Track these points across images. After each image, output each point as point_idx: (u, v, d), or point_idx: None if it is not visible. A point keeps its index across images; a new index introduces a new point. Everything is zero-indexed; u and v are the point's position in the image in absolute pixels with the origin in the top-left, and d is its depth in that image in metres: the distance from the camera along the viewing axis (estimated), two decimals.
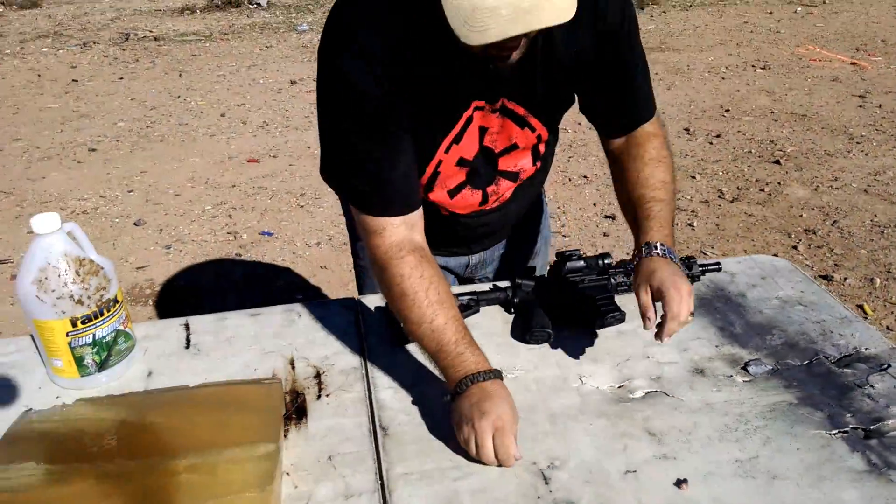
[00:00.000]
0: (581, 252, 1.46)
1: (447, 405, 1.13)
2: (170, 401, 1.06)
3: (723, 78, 6.28)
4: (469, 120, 1.23)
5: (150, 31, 9.46)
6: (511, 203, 1.44)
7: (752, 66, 6.62)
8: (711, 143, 4.77)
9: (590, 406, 1.18)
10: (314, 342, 1.35)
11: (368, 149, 1.17)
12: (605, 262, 1.44)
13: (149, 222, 3.86)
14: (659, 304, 1.13)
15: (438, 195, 1.36)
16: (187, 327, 1.40)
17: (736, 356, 1.29)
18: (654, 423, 1.13)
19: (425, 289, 1.16)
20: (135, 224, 3.84)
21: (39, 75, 7.36)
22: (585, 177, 4.25)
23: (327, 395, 1.22)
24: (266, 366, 1.29)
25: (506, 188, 1.40)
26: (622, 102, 1.31)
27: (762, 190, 4.06)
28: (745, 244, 3.48)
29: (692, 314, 1.12)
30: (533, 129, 1.30)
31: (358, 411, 1.18)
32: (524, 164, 1.36)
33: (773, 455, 1.06)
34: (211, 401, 1.06)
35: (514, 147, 1.31)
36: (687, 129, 5.02)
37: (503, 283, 1.44)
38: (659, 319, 1.13)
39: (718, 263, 1.50)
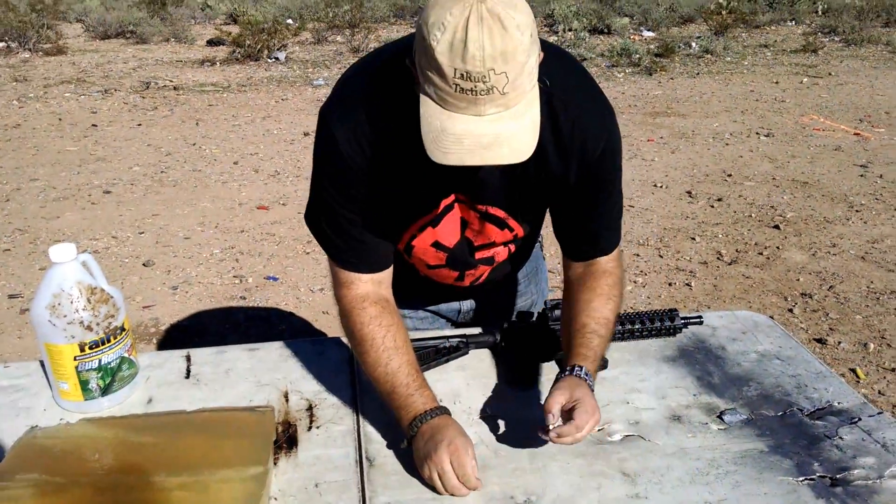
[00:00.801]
0: None
1: (406, 451, 1.18)
2: (167, 423, 1.12)
3: (726, 144, 6.41)
4: (448, 208, 1.30)
5: (171, 81, 9.74)
6: (488, 280, 1.52)
7: (756, 133, 6.77)
8: (713, 207, 4.86)
9: (569, 447, 1.22)
10: (308, 377, 1.41)
11: (345, 210, 1.25)
12: None
13: (157, 263, 3.95)
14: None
15: (416, 262, 1.44)
16: (188, 359, 1.47)
17: (712, 405, 1.34)
18: (629, 465, 1.18)
19: (382, 336, 1.25)
20: (143, 265, 3.93)
21: (60, 119, 7.58)
22: None
23: (318, 427, 1.27)
24: (261, 397, 1.35)
25: (482, 271, 1.48)
26: (586, 231, 1.33)
27: (761, 253, 4.13)
28: (740, 305, 3.53)
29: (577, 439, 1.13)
30: (511, 230, 1.36)
31: (346, 442, 1.23)
32: (498, 250, 1.43)
33: (740, 498, 1.11)
34: (206, 425, 1.12)
35: (492, 244, 1.39)
36: (689, 192, 5.12)
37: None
38: (559, 423, 1.15)
39: (700, 316, 1.56)
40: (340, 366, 1.45)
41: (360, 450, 1.21)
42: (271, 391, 1.37)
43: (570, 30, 12.33)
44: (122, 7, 15.62)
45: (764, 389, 1.38)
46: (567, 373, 1.21)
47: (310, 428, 1.27)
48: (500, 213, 1.32)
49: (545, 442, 1.22)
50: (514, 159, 1.02)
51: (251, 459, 1.03)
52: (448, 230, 1.34)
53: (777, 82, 9.35)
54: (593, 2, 15.70)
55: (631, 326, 1.50)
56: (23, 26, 12.27)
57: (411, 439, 1.17)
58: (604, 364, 1.41)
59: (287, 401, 1.34)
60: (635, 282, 3.80)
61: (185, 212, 4.77)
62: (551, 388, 1.19)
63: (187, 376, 1.41)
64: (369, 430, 1.26)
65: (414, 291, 1.56)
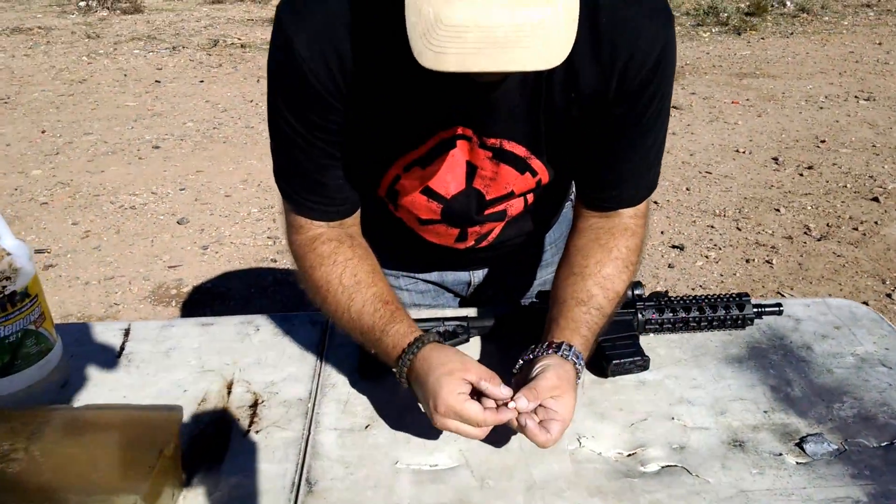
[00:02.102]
0: None
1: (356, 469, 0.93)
2: (43, 423, 0.85)
3: (821, 107, 5.79)
4: (446, 145, 0.97)
5: (239, 39, 9.60)
6: (500, 240, 1.19)
7: (855, 96, 6.09)
8: (801, 175, 4.34)
9: (583, 478, 0.89)
10: (263, 363, 1.12)
11: (301, 140, 0.96)
12: (635, 292, 1.16)
13: (192, 221, 3.75)
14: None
15: (405, 216, 1.12)
16: (126, 333, 1.20)
17: (790, 428, 0.98)
18: None
19: (338, 274, 0.99)
20: (178, 222, 3.73)
21: (126, 75, 7.53)
22: (656, 202, 3.91)
23: (257, 432, 0.98)
24: (199, 387, 1.07)
25: (490, 227, 1.14)
26: (614, 173, 1.02)
27: (856, 229, 3.62)
28: (830, 287, 3.07)
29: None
30: (534, 174, 1.03)
31: (287, 456, 0.93)
32: (513, 203, 1.10)
33: None
34: (90, 428, 0.84)
35: (510, 195, 1.06)
36: (775, 159, 4.60)
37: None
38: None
39: (780, 304, 1.19)
40: (307, 349, 1.15)
41: (301, 468, 0.92)
42: (213, 380, 1.08)
43: None
44: None
45: (864, 409, 1.02)
46: (558, 352, 0.93)
47: (247, 432, 0.98)
48: (520, 151, 0.99)
49: (550, 470, 0.90)
50: (542, 64, 0.71)
51: (125, 484, 0.75)
52: (445, 175, 1.01)
53: (880, 44, 8.49)
54: None
55: (686, 315, 1.15)
56: None
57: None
58: (643, 364, 1.07)
59: (229, 393, 1.05)
60: (707, 257, 3.37)
61: (230, 169, 4.56)
62: (536, 363, 0.92)
63: (118, 356, 1.14)
64: (322, 441, 0.96)
65: (409, 254, 1.24)
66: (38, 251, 3.42)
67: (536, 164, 1.01)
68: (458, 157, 0.99)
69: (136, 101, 6.42)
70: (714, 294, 1.18)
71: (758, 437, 0.96)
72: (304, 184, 1.00)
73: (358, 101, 0.92)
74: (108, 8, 12.03)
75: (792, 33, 9.25)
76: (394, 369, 0.93)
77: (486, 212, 1.08)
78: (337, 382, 1.07)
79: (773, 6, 10.79)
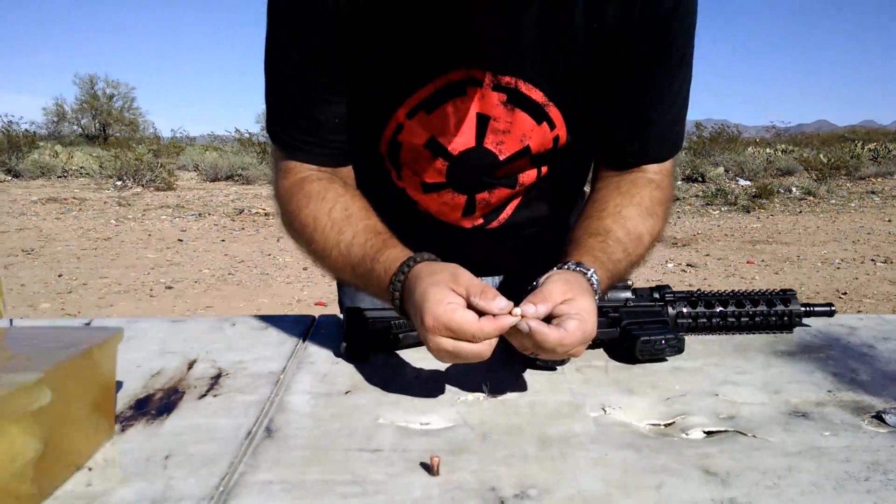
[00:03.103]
0: (631, 283, 1.04)
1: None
2: None
3: (837, 268, 5.74)
4: (455, 89, 0.90)
5: (263, 209, 9.97)
6: (512, 222, 1.08)
7: (872, 259, 6.06)
8: None
9: (610, 436, 0.71)
10: (234, 349, 0.97)
11: (304, 75, 0.89)
12: (663, 292, 1.02)
13: None
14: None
15: (409, 183, 1.02)
16: (88, 326, 1.06)
17: (863, 404, 0.80)
18: (718, 461, 0.66)
19: (328, 210, 0.89)
20: None
21: (150, 234, 7.73)
22: None
23: (215, 396, 0.81)
24: (154, 364, 0.91)
25: (500, 197, 1.03)
26: (638, 124, 0.95)
27: None
28: None
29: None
30: (552, 126, 0.94)
31: (247, 413, 0.77)
32: (529, 172, 1.01)
33: None
34: (9, 333, 0.69)
35: (524, 152, 0.96)
36: None
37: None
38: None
39: (831, 305, 1.04)
40: (285, 340, 1.00)
41: (261, 419, 0.74)
42: (173, 359, 0.93)
43: None
44: (234, 156, 16.65)
45: None
46: (566, 267, 0.82)
47: (204, 395, 0.81)
48: (537, 95, 0.91)
49: (568, 429, 0.73)
50: None
51: (28, 365, 0.59)
52: (453, 126, 0.93)
53: (890, 220, 8.62)
54: (687, 154, 15.51)
55: (723, 309, 1.00)
56: (138, 164, 13.12)
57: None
58: (677, 344, 0.91)
59: (190, 368, 0.90)
60: None
61: (240, 305, 4.50)
62: (541, 280, 0.79)
63: None
64: (289, 400, 0.79)
65: (410, 242, 1.13)
66: None
67: (554, 112, 0.92)
68: (467, 107, 0.91)
69: (156, 255, 6.52)
70: (751, 290, 1.03)
71: (824, 410, 0.78)
72: (297, 123, 0.92)
73: (364, 30, 0.86)
74: (142, 185, 12.67)
75: (801, 212, 9.46)
76: (388, 297, 0.80)
77: (497, 174, 0.98)
78: (317, 360, 0.91)
79: (779, 191, 11.14)
